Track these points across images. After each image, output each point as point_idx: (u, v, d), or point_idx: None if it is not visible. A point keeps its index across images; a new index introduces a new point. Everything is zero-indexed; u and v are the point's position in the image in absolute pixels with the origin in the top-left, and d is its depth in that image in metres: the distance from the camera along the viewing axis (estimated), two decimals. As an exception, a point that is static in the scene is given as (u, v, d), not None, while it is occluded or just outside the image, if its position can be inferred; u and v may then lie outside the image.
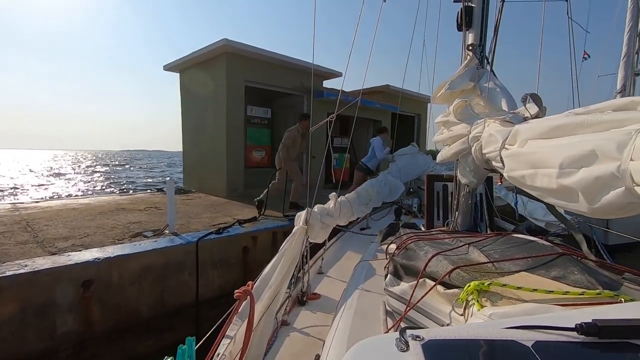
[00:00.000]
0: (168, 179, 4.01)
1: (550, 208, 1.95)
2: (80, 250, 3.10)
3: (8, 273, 2.52)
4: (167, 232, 3.83)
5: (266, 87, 7.57)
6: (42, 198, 7.67)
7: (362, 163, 6.32)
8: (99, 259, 2.92)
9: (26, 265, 2.68)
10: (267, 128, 9.09)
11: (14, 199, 13.76)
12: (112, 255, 3.00)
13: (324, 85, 8.87)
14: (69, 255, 2.95)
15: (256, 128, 8.76)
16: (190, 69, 7.80)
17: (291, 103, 8.90)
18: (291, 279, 1.82)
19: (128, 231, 3.88)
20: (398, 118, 10.51)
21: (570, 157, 0.91)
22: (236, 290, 1.19)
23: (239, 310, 1.17)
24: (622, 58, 9.67)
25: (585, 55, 11.93)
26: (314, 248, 2.33)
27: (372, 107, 9.61)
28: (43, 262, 2.76)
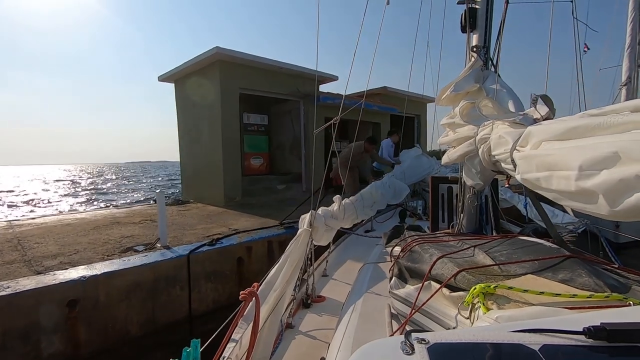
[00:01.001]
0: (158, 191, 3.92)
1: (542, 215, 1.94)
2: (66, 269, 3.02)
3: (-12, 296, 2.44)
4: (158, 245, 3.74)
5: (261, 93, 7.51)
6: (40, 215, 7.65)
7: (373, 166, 6.54)
8: (84, 277, 2.83)
9: (8, 287, 2.59)
10: (265, 135, 9.03)
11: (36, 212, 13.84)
12: (98, 273, 2.91)
13: (320, 90, 8.79)
14: (54, 275, 2.86)
15: (253, 135, 8.70)
16: (184, 79, 7.77)
17: (287, 109, 8.84)
18: (296, 282, 1.83)
19: (119, 246, 3.79)
20: (397, 119, 10.36)
21: (590, 159, 0.89)
22: (242, 292, 1.20)
23: (244, 313, 1.18)
24: (625, 49, 9.45)
25: (586, 49, 11.71)
26: (319, 251, 2.33)
27: (371, 110, 9.52)
28: (27, 283, 2.68)
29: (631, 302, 0.91)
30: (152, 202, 7.85)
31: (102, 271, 2.95)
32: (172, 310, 3.34)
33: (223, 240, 3.94)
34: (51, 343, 2.66)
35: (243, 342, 1.12)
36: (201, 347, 1.00)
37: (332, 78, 8.68)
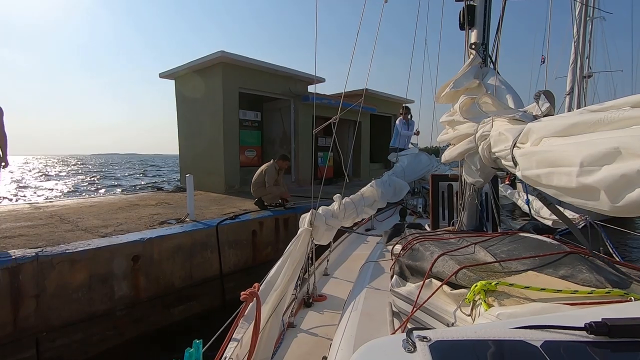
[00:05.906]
0: (188, 175, 4.72)
1: (552, 208, 2.16)
2: (124, 234, 3.80)
3: (80, 248, 3.21)
4: (188, 219, 4.55)
5: (257, 93, 8.34)
6: (54, 197, 8.10)
7: (390, 146, 6.94)
8: (143, 239, 3.63)
9: (89, 244, 3.36)
10: (258, 130, 9.84)
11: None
12: (153, 236, 3.72)
13: (308, 90, 9.72)
14: (118, 237, 3.65)
15: (247, 130, 9.49)
16: (186, 77, 8.44)
17: (279, 107, 9.69)
18: (297, 281, 1.83)
19: (154, 220, 4.56)
20: (375, 118, 11.47)
21: (592, 155, 0.89)
22: (242, 293, 1.22)
23: (245, 313, 1.20)
24: (570, 64, 11.08)
25: (543, 59, 13.37)
26: (320, 250, 2.34)
27: (355, 109, 10.53)
28: (101, 241, 3.45)
29: (632, 298, 0.91)
30: (156, 190, 8.50)
31: (155, 235, 3.76)
32: (205, 269, 4.19)
33: (240, 216, 4.81)
34: (121, 287, 3.46)
35: (244, 342, 1.13)
36: (203, 348, 1.02)
37: (320, 80, 9.64)
